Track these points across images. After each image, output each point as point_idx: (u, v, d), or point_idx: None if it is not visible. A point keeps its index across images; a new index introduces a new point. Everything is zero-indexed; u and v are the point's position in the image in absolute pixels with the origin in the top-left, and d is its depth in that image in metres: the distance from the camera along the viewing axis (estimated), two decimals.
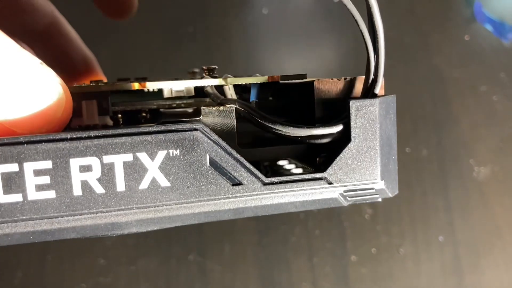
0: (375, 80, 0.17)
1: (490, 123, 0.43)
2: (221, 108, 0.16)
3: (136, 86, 0.17)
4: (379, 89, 0.17)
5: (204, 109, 0.17)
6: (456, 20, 0.50)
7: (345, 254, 0.37)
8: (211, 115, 0.17)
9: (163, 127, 0.16)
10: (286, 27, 0.41)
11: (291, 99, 0.19)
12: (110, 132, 0.15)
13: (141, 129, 0.16)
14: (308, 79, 0.17)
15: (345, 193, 0.17)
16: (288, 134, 0.17)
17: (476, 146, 0.42)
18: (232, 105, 0.17)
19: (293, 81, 0.17)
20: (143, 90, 0.18)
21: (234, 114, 0.17)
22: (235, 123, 0.17)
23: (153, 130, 0.15)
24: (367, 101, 0.17)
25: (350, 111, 0.17)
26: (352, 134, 0.17)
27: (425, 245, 0.37)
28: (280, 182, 0.16)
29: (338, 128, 0.17)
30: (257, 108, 0.17)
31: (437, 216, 0.38)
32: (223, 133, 0.16)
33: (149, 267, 0.35)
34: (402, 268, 0.36)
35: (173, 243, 0.36)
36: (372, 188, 0.17)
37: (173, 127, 0.16)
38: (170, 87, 0.18)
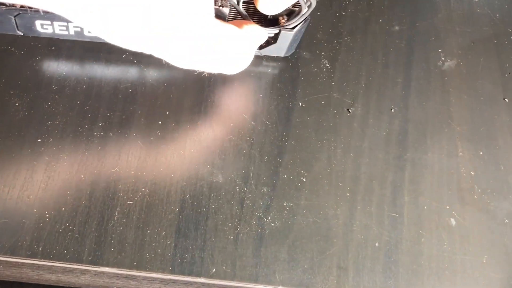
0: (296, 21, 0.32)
1: (467, 22, 0.41)
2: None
3: None
4: (297, 27, 0.32)
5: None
6: None
7: (293, 99, 0.34)
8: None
9: None
10: None
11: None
12: None
13: None
14: None
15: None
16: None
17: (448, 39, 0.40)
18: None
19: None
20: None
21: None
22: None
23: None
24: (288, 32, 0.32)
25: (280, 33, 0.32)
26: (278, 40, 0.33)
27: (376, 112, 0.35)
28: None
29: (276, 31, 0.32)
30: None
31: (394, 90, 0.36)
32: None
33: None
34: (347, 127, 0.33)
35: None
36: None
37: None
38: None
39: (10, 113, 0.29)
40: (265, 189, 0.30)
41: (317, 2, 0.33)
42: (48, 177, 0.27)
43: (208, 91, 0.33)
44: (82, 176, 0.28)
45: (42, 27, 0.29)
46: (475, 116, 0.36)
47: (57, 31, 0.30)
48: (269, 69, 0.34)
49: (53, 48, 0.31)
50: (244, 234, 0.28)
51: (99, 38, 0.30)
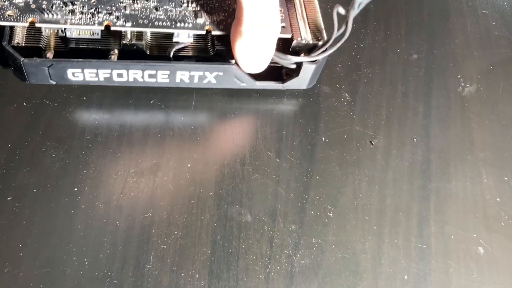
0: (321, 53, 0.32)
1: (484, 45, 0.42)
2: None
3: None
4: (320, 58, 0.33)
5: None
6: None
7: (316, 134, 0.34)
8: None
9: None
10: None
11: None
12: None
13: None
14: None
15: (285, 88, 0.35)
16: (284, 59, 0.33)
17: (467, 64, 0.40)
18: None
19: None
20: None
21: None
22: None
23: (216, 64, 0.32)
24: (310, 64, 0.33)
25: (302, 66, 0.33)
26: (301, 73, 0.34)
27: (398, 143, 0.35)
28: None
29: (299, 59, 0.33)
30: None
31: (415, 119, 0.37)
32: None
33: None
34: (371, 159, 0.34)
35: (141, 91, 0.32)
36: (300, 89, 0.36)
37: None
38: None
39: (47, 164, 0.30)
40: (293, 227, 0.31)
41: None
42: (86, 225, 0.29)
43: (232, 131, 0.34)
44: (118, 222, 0.29)
45: (74, 75, 0.31)
46: (498, 140, 0.37)
47: (88, 78, 0.31)
48: (291, 106, 0.35)
49: (84, 98, 0.33)
50: (274, 273, 0.29)
51: (127, 83, 0.32)
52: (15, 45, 0.31)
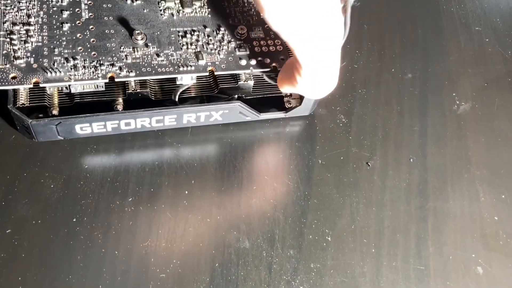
0: None
1: (479, 63, 0.42)
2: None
3: None
4: None
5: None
6: None
7: (313, 156, 0.35)
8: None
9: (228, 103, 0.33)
10: None
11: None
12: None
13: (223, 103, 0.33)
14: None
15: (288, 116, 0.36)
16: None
17: (461, 82, 0.40)
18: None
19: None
20: None
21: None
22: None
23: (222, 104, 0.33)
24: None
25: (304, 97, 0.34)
26: (303, 102, 0.35)
27: (395, 163, 0.35)
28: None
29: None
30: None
31: (411, 139, 0.37)
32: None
33: None
34: (368, 181, 0.34)
35: None
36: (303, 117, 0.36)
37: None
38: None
39: (45, 196, 0.30)
40: (291, 252, 0.31)
41: None
42: (84, 256, 0.29)
43: (230, 156, 0.34)
44: (116, 252, 0.29)
45: (82, 130, 0.31)
46: (494, 158, 0.37)
47: (96, 130, 0.32)
48: (287, 129, 0.36)
49: None
50: None
51: (136, 129, 0.33)
52: (20, 106, 0.31)
